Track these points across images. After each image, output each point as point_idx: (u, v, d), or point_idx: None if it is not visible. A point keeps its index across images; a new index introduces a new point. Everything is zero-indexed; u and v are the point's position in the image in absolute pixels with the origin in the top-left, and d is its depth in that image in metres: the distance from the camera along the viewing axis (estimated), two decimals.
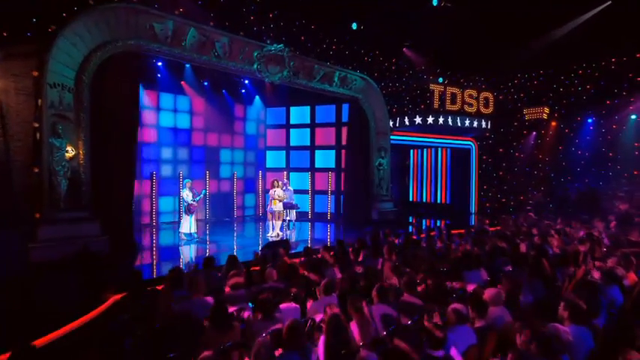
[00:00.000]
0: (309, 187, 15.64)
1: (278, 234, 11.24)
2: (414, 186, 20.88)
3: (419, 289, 4.90)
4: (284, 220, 13.26)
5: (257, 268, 6.49)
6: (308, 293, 5.20)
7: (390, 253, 6.97)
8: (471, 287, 5.49)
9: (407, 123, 15.95)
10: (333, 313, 3.36)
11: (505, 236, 8.47)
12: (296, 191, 15.80)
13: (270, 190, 11.15)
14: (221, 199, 15.50)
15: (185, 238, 10.46)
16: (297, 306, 4.41)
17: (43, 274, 6.54)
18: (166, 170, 14.11)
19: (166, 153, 14.17)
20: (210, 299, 4.31)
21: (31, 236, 7.05)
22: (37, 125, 7.22)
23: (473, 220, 16.64)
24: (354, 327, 3.60)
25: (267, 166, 16.76)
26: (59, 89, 7.34)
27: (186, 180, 10.69)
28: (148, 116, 13.58)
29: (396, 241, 8.62)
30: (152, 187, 12.98)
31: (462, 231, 12.97)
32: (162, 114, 14.05)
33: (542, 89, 16.73)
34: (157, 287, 5.78)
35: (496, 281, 5.79)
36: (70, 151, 7.58)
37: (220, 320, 3.62)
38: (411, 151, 20.76)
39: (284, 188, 13.26)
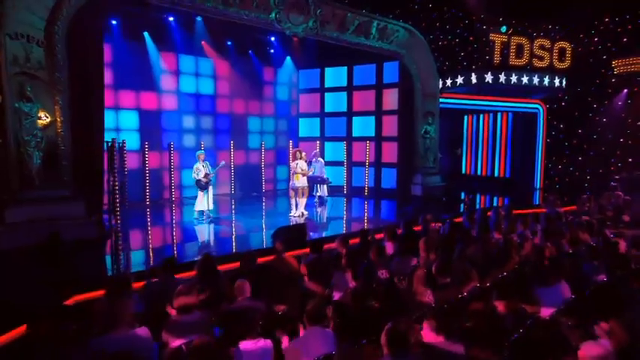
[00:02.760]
0: (344, 159, 13.90)
1: (302, 213, 9.75)
2: (467, 157, 18.41)
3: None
4: (313, 197, 11.80)
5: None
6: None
7: (427, 249, 5.22)
8: (546, 312, 3.68)
9: (460, 83, 13.53)
10: None
11: (590, 225, 6.35)
12: (331, 163, 14.25)
13: (292, 163, 9.60)
14: (249, 172, 14.23)
15: (199, 217, 9.26)
16: (268, 344, 2.88)
17: (6, 264, 5.52)
18: (189, 140, 12.95)
19: (188, 122, 12.97)
20: (143, 332, 2.90)
21: None
22: None
23: (537, 198, 14.16)
24: None
25: (300, 135, 15.17)
26: (24, 42, 6.12)
27: (198, 152, 9.36)
28: (167, 81, 12.37)
29: (440, 228, 6.80)
30: (170, 158, 11.90)
31: (526, 212, 10.82)
32: (182, 78, 12.78)
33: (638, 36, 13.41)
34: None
35: (584, 301, 3.92)
36: (44, 118, 6.43)
37: None
38: (466, 116, 18.18)
39: (314, 160, 11.72)
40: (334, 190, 13.58)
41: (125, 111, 11.64)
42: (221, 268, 5.39)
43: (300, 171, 9.49)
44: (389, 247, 5.84)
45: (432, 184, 12.55)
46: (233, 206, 12.21)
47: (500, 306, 3.32)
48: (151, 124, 12.03)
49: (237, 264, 5.22)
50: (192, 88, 13.01)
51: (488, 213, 8.00)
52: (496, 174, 17.03)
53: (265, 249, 6.86)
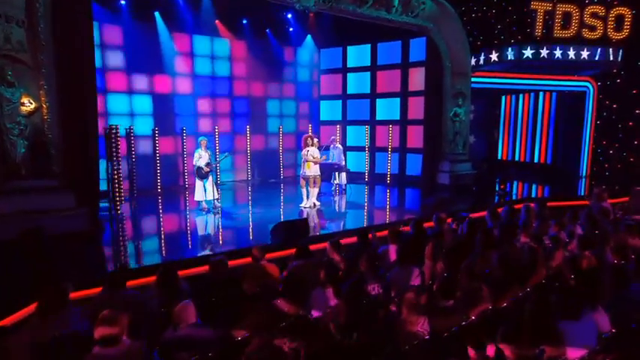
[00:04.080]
0: (366, 144, 13.05)
1: (314, 204, 9.10)
2: (504, 140, 16.96)
3: None
4: (332, 184, 11.11)
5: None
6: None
7: (435, 256, 4.43)
8: (574, 354, 2.87)
9: (495, 60, 12.20)
10: None
11: None
12: (354, 148, 13.46)
13: (303, 150, 8.89)
14: (268, 158, 13.70)
15: (207, 206, 8.79)
16: None
17: None
18: (205, 125, 12.51)
19: (204, 105, 12.53)
20: None
21: None
22: None
23: (582, 187, 12.75)
24: None
25: (321, 118, 14.42)
26: (2, 22, 5.72)
27: (201, 137, 8.84)
28: (181, 63, 11.92)
29: (457, 228, 5.92)
30: (183, 144, 11.53)
31: (568, 204, 9.62)
32: (197, 60, 12.28)
33: None
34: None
35: (629, 339, 3.06)
36: (28, 104, 6.07)
37: None
38: (504, 97, 16.66)
39: (332, 146, 11.01)
40: (356, 178, 12.83)
41: (138, 95, 11.30)
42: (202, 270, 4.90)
43: (311, 158, 8.80)
44: (392, 252, 5.09)
45: (461, 171, 11.49)
46: (246, 193, 11.74)
47: (506, 350, 2.53)
48: (164, 109, 11.67)
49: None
50: (208, 70, 12.51)
51: (517, 205, 6.96)
52: (536, 159, 15.56)
53: (265, 245, 6.32)
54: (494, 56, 12.24)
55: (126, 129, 10.09)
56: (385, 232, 5.59)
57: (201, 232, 7.86)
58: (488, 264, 4.20)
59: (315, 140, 9.00)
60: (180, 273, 4.13)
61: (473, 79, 11.96)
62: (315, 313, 3.65)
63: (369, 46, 13.22)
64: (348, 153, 13.86)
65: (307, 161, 8.77)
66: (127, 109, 11.12)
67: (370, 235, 5.11)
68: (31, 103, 6.09)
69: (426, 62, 11.58)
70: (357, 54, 13.54)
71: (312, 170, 8.84)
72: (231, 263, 4.90)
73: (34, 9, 5.97)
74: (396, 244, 5.12)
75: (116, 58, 10.75)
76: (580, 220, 6.12)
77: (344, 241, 5.65)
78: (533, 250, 4.17)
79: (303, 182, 8.98)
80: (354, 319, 3.34)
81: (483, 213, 6.54)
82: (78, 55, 6.59)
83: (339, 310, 3.56)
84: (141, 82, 11.29)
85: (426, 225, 6.08)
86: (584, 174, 14.18)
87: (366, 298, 3.65)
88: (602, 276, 4.04)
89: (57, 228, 6.10)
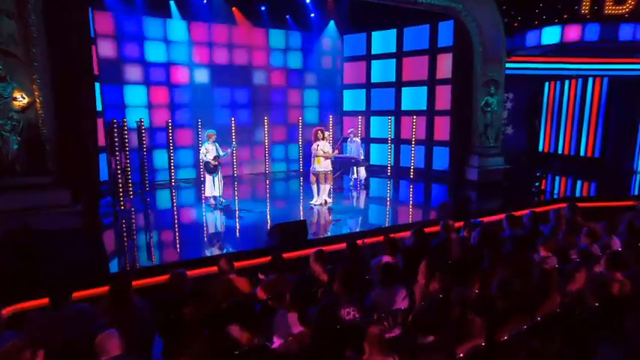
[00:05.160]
0: (388, 135, 12.31)
1: (325, 201, 8.58)
2: (546, 131, 15.54)
3: None
4: (350, 180, 10.55)
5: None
6: None
7: (428, 274, 3.82)
8: None
9: (536, 43, 10.99)
10: None
11: None
12: (379, 140, 12.78)
13: (313, 145, 8.35)
14: (289, 149, 13.31)
15: (214, 202, 8.52)
16: None
17: None
18: (222, 116, 12.24)
19: (222, 95, 12.26)
20: None
21: None
22: None
23: (636, 186, 11.37)
24: None
25: (345, 108, 13.79)
26: None
27: (209, 130, 8.52)
28: (198, 53, 11.67)
29: (470, 236, 5.21)
30: (198, 136, 11.32)
31: (613, 204, 8.54)
32: (214, 50, 11.98)
33: None
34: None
35: None
36: (21, 99, 5.95)
37: None
38: (547, 83, 15.21)
39: (350, 140, 10.42)
40: (380, 171, 12.20)
41: (155, 86, 11.18)
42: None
43: (321, 153, 8.25)
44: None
45: (491, 166, 10.53)
46: (261, 188, 11.36)
47: None
48: (182, 100, 11.51)
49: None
50: (226, 59, 12.19)
51: (544, 207, 6.09)
52: (582, 152, 14.13)
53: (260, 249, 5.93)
54: (534, 38, 11.03)
55: (137, 122, 9.97)
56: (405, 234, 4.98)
57: (198, 232, 7.40)
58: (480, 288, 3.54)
59: (327, 134, 8.46)
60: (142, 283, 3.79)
61: (509, 65, 10.88)
62: (277, 341, 3.19)
63: (394, 31, 12.38)
64: (372, 145, 13.25)
65: (317, 156, 8.24)
66: (144, 101, 11.04)
67: (360, 242, 4.53)
68: (24, 98, 5.97)
69: (454, 47, 10.62)
70: (382, 40, 12.74)
71: (323, 166, 8.30)
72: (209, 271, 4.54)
73: (25, 1, 5.80)
74: (391, 255, 4.55)
75: (131, 50, 10.61)
76: (619, 230, 5.23)
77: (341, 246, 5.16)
78: (544, 271, 3.45)
79: (313, 178, 8.47)
80: (320, 351, 2.84)
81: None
82: (72, 47, 6.41)
83: (302, 339, 3.08)
84: (158, 73, 11.14)
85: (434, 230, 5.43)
86: (638, 169, 12.70)
87: (338, 326, 3.13)
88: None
89: (51, 225, 6.03)
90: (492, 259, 4.11)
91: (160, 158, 10.97)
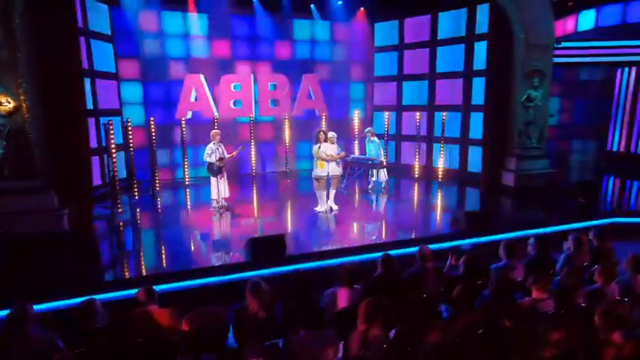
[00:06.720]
0: (417, 132, 11.26)
1: (331, 208, 7.92)
2: (621, 129, 13.39)
3: None
4: (369, 182, 9.77)
5: None
6: None
7: (370, 316, 3.08)
8: None
9: (592, 25, 9.30)
10: None
11: None
12: (410, 138, 11.78)
13: (314, 147, 7.66)
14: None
15: (217, 205, 8.18)
16: None
17: None
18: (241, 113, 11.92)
19: (239, 92, 11.87)
20: None
21: None
22: None
23: None
24: None
25: (375, 102, 12.88)
26: None
27: (214, 130, 8.15)
28: (219, 48, 11.43)
29: (456, 265, 4.31)
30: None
31: None
32: (235, 43, 11.64)
33: None
34: None
35: None
36: (6, 104, 5.96)
37: None
38: (618, 70, 13.07)
39: (367, 139, 9.62)
40: (407, 171, 11.27)
41: (174, 82, 11.08)
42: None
43: (323, 156, 7.56)
44: (342, 299, 3.82)
45: (532, 170, 9.16)
46: (273, 189, 10.85)
47: None
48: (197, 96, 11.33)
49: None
50: (248, 55, 11.80)
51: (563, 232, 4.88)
52: None
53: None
54: (592, 19, 9.36)
55: (148, 120, 9.92)
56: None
57: (187, 242, 6.97)
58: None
59: (330, 135, 7.72)
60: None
61: (559, 52, 9.35)
62: None
63: (428, 17, 11.22)
64: (403, 144, 12.25)
65: (318, 159, 7.57)
66: (162, 97, 11.00)
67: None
68: (9, 102, 5.98)
69: (489, 33, 9.29)
70: (415, 27, 11.62)
71: (326, 170, 7.62)
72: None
73: (9, 3, 5.75)
74: (348, 287, 3.86)
75: (146, 46, 10.56)
76: None
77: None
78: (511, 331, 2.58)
79: (316, 184, 7.81)
80: None
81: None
82: (59, 49, 6.30)
83: None
84: (175, 69, 11.03)
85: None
86: None
87: None
88: None
89: (37, 229, 6.04)
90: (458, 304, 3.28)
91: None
